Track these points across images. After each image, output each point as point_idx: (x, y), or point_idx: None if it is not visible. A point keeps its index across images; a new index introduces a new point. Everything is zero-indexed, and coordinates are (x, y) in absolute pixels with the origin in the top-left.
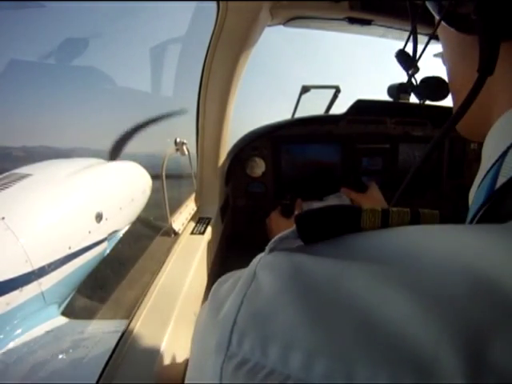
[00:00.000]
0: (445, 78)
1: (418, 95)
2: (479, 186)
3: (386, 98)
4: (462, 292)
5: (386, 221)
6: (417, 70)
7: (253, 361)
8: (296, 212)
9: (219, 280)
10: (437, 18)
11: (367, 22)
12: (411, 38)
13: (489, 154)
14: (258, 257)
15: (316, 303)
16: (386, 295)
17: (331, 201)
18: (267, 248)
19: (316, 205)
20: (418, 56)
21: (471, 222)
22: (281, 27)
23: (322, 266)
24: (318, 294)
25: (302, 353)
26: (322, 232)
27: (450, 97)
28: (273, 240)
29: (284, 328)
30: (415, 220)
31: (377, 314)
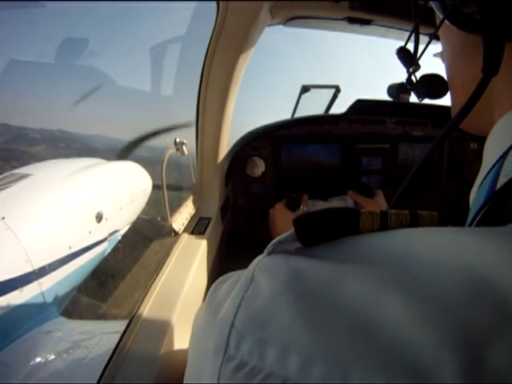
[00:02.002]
0: (443, 75)
1: (416, 93)
2: (480, 186)
3: (386, 97)
4: (461, 296)
5: (384, 223)
6: (418, 67)
7: (251, 364)
8: (302, 207)
9: (217, 281)
10: (440, 16)
11: (367, 22)
12: (412, 35)
13: (490, 154)
14: (257, 259)
15: (313, 307)
16: (383, 299)
17: (335, 202)
18: (266, 250)
19: (319, 204)
20: (419, 54)
21: (471, 223)
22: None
23: (320, 270)
24: (315, 297)
25: (299, 356)
26: (320, 234)
27: (448, 95)
28: (271, 242)
29: (281, 331)
30: (414, 222)
31: (373, 318)
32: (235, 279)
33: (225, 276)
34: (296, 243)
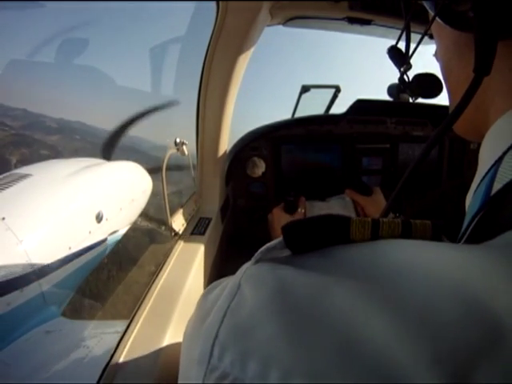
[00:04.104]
0: (439, 75)
1: (410, 92)
2: (475, 191)
3: (386, 97)
4: (449, 315)
5: (376, 232)
6: (409, 66)
7: (232, 375)
8: (299, 209)
9: (208, 288)
10: (431, 14)
11: (367, 22)
12: (404, 34)
13: (485, 158)
14: (244, 267)
15: (297, 320)
16: (369, 316)
17: (334, 202)
18: (253, 258)
19: (318, 205)
20: (410, 53)
21: (466, 230)
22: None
23: (306, 281)
24: (300, 310)
25: (279, 370)
26: (309, 242)
27: (442, 94)
28: (260, 250)
29: (263, 344)
30: (406, 231)
31: (357, 335)
32: (224, 285)
33: (215, 282)
34: (285, 250)
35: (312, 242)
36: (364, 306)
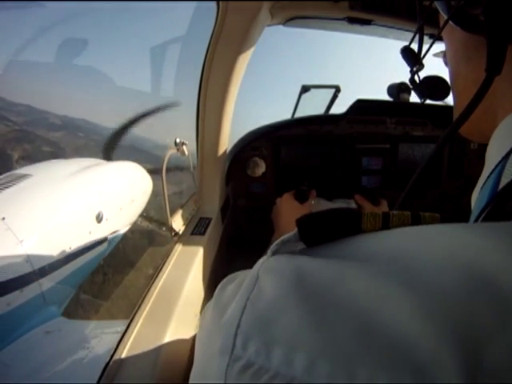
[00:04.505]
0: (446, 77)
1: (419, 94)
2: (482, 187)
3: (386, 97)
4: (462, 293)
5: (386, 224)
6: (421, 67)
7: (257, 364)
8: (309, 200)
9: (223, 282)
10: (444, 17)
11: (367, 22)
12: (417, 35)
13: (492, 155)
14: (261, 260)
15: (318, 306)
16: (386, 297)
17: (339, 204)
18: (270, 251)
19: (324, 203)
20: (423, 53)
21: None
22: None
23: (323, 270)
24: (320, 297)
25: (305, 355)
26: (323, 235)
27: (450, 96)
28: (275, 243)
29: (287, 331)
30: (416, 223)
31: (377, 316)
32: (240, 280)
33: (231, 276)
34: (299, 243)
35: (326, 234)
36: (380, 287)
